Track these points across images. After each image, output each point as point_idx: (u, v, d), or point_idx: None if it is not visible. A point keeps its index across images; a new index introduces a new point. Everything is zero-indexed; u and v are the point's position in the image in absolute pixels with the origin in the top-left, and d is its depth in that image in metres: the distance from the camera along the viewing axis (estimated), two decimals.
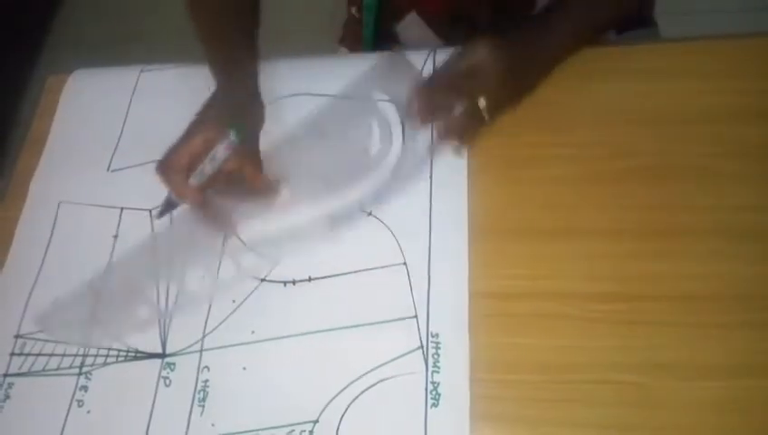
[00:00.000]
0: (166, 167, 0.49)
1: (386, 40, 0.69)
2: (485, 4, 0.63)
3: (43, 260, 0.54)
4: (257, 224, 0.52)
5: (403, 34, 0.68)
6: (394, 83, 0.52)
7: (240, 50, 0.54)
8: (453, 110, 0.49)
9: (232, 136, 0.48)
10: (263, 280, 0.49)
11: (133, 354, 0.48)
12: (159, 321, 0.49)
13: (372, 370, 0.45)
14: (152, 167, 0.55)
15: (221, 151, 0.49)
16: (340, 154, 0.50)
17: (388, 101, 0.52)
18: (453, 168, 0.51)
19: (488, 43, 0.48)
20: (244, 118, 0.51)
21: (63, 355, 0.49)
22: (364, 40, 0.69)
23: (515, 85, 0.50)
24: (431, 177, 0.51)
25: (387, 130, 0.51)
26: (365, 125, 0.51)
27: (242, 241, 0.51)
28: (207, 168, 0.48)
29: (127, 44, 1.29)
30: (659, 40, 0.68)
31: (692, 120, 0.50)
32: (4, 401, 0.48)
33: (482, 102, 0.48)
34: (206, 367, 0.47)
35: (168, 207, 0.50)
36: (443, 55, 0.56)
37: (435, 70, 0.51)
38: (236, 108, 0.51)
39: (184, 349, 0.48)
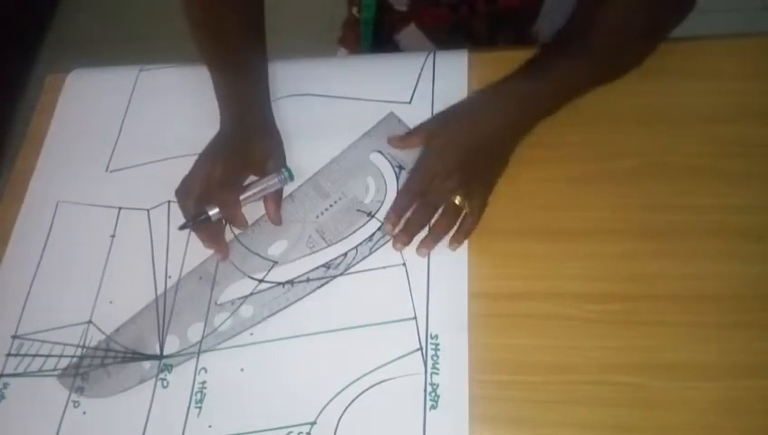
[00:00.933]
0: (220, 192, 0.49)
1: (385, 43, 0.69)
2: (483, 15, 0.63)
3: (41, 260, 0.53)
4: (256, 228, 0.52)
5: (402, 42, 0.68)
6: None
7: (253, 73, 0.54)
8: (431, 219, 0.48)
9: (285, 174, 0.50)
10: (261, 281, 0.49)
11: (130, 355, 0.48)
12: (158, 322, 0.49)
13: (371, 371, 0.44)
14: (151, 167, 0.56)
15: (274, 185, 0.50)
16: (337, 208, 0.51)
17: (382, 153, 0.53)
18: None
19: (434, 149, 0.48)
20: (281, 153, 0.52)
21: (60, 356, 0.49)
22: (362, 47, 0.69)
23: (477, 173, 0.48)
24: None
25: (381, 181, 0.51)
26: (361, 180, 0.52)
27: (241, 243, 0.51)
28: (257, 195, 0.50)
29: (126, 44, 1.29)
30: None
31: (692, 120, 0.50)
32: (0, 401, 0.48)
33: (457, 199, 0.47)
34: (204, 368, 0.47)
35: (196, 219, 0.49)
36: (442, 57, 0.56)
37: (397, 193, 0.50)
38: (276, 142, 0.52)
39: (181, 350, 0.48)
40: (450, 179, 0.47)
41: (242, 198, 0.50)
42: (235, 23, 0.54)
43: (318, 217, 0.51)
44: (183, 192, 0.50)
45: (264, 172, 0.51)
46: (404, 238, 0.48)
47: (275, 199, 0.51)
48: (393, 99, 0.55)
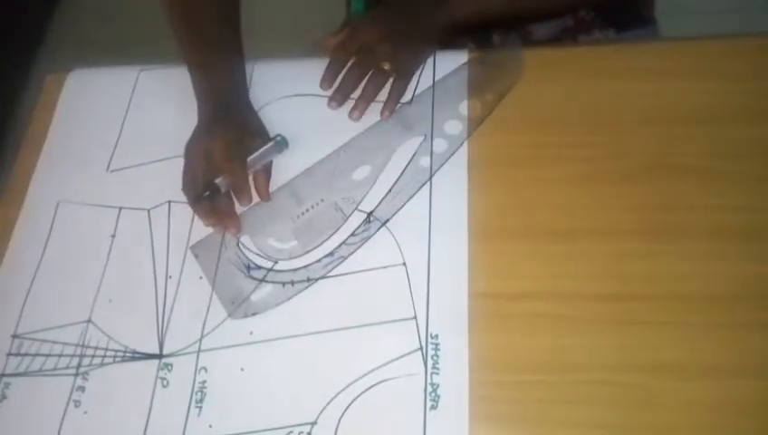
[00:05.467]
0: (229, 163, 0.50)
1: None
2: None
3: (41, 259, 0.53)
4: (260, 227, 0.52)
5: None
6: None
7: (232, 69, 0.56)
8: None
9: (279, 140, 0.52)
10: (261, 281, 0.49)
11: (130, 355, 0.48)
12: (157, 321, 0.49)
13: (371, 371, 0.44)
14: (151, 167, 0.56)
15: (273, 150, 0.52)
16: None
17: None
18: (453, 167, 0.51)
19: (366, 18, 0.55)
20: (267, 132, 0.54)
21: (60, 355, 0.49)
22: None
23: (404, 41, 0.54)
24: (431, 177, 0.51)
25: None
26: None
27: (241, 242, 0.51)
28: (260, 161, 0.51)
29: (126, 44, 1.29)
30: (659, 40, 0.68)
31: (692, 120, 0.50)
32: (1, 401, 0.48)
33: (386, 66, 0.53)
34: (204, 368, 0.47)
35: (208, 189, 0.50)
36: (443, 57, 0.56)
37: (330, 57, 0.55)
38: (260, 121, 0.55)
39: (181, 350, 0.48)
40: (378, 46, 0.53)
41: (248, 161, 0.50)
42: (211, 15, 0.56)
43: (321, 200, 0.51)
44: (188, 179, 0.51)
45: (254, 147, 0.52)
46: (337, 97, 0.54)
47: (265, 173, 0.52)
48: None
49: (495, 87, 0.53)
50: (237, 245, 0.51)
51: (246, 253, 0.50)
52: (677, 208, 0.47)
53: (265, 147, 0.52)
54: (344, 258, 0.48)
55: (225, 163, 0.50)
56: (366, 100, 0.53)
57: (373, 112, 0.54)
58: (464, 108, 0.54)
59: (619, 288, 0.45)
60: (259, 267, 0.49)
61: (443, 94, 0.54)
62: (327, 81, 0.54)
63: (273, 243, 0.50)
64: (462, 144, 0.52)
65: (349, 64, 0.54)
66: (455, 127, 0.53)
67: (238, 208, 0.51)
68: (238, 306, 0.48)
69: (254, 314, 0.47)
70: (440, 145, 0.52)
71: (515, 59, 0.54)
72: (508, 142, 0.52)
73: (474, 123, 0.53)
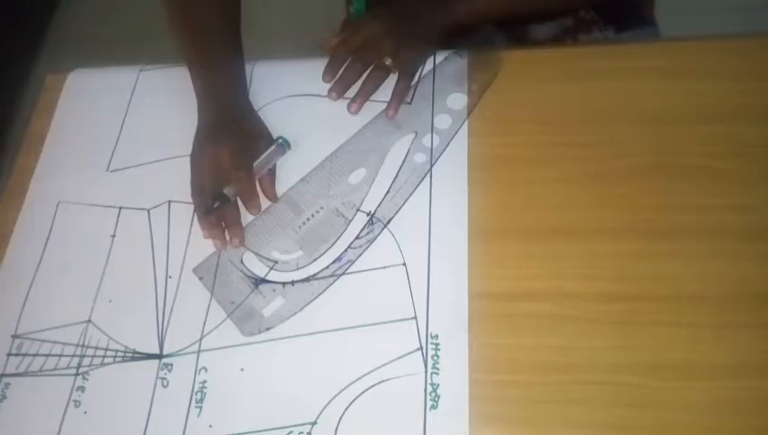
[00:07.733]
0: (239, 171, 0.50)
1: None
2: None
3: (41, 259, 0.53)
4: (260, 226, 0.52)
5: None
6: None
7: (232, 67, 0.56)
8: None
9: (282, 142, 0.53)
10: (261, 281, 0.49)
11: (130, 355, 0.48)
12: (157, 321, 0.49)
13: (371, 371, 0.44)
14: (151, 167, 0.56)
15: (276, 154, 0.52)
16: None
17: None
18: (453, 167, 0.51)
19: (371, 14, 0.56)
20: (269, 133, 0.54)
21: (60, 356, 0.49)
22: None
23: (407, 38, 0.54)
24: (431, 177, 0.51)
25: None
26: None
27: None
28: (265, 166, 0.51)
29: (126, 44, 1.29)
30: (659, 39, 0.68)
31: (692, 120, 0.50)
32: (1, 401, 0.48)
33: (388, 61, 0.53)
34: (204, 368, 0.47)
35: (216, 200, 0.49)
36: (442, 57, 0.56)
37: (332, 54, 0.55)
38: (262, 123, 0.55)
39: (181, 350, 0.48)
40: (380, 42, 0.53)
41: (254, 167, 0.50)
42: (212, 16, 0.56)
43: (318, 210, 0.51)
44: (196, 189, 0.51)
45: (258, 151, 0.52)
46: (337, 88, 0.54)
47: (270, 176, 0.52)
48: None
49: (477, 80, 0.54)
50: (241, 261, 0.50)
51: (252, 268, 0.50)
52: (677, 208, 0.47)
53: (268, 151, 0.52)
54: (352, 262, 0.48)
55: (233, 171, 0.50)
56: (365, 94, 0.54)
57: (368, 112, 0.54)
58: (451, 102, 0.54)
59: (619, 288, 0.45)
60: (267, 281, 0.49)
61: (430, 91, 0.55)
62: (329, 73, 0.54)
63: (279, 255, 0.50)
64: (453, 138, 0.52)
65: (350, 59, 0.55)
66: (444, 121, 0.53)
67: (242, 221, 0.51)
68: (250, 322, 0.48)
69: (267, 329, 0.47)
70: (433, 140, 0.52)
71: (493, 52, 0.55)
72: (508, 142, 0.52)
73: (463, 116, 0.53)
